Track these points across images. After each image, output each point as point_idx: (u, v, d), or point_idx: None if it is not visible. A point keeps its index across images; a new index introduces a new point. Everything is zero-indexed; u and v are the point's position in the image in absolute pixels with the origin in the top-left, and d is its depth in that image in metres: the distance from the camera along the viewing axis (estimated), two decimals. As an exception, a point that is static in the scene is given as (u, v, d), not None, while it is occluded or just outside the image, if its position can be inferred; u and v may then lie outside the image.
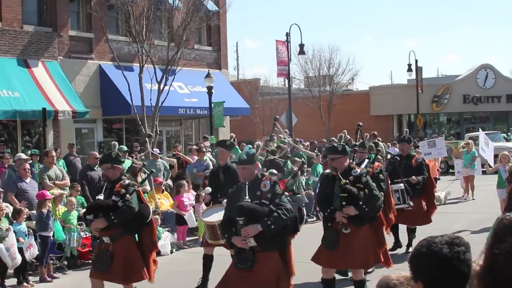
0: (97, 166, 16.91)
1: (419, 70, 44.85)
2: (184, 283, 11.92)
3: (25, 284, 12.42)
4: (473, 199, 23.09)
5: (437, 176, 24.01)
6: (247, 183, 7.89)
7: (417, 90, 43.84)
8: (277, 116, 12.57)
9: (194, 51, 29.80)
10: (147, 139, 11.56)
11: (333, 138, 27.65)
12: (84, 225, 14.80)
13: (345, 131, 28.10)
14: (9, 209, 13.30)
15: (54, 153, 16.69)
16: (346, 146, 9.59)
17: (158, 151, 20.19)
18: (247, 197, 7.72)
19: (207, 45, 32.32)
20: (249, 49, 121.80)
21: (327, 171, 10.06)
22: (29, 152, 18.92)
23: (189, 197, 16.65)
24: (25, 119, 22.64)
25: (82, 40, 26.73)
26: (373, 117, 46.49)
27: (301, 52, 36.84)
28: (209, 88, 26.74)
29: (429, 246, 3.34)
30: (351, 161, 9.61)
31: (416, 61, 44.50)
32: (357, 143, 10.76)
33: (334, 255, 9.06)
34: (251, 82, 49.50)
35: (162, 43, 26.87)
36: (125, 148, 18.17)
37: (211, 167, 19.34)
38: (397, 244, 14.02)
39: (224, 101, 28.42)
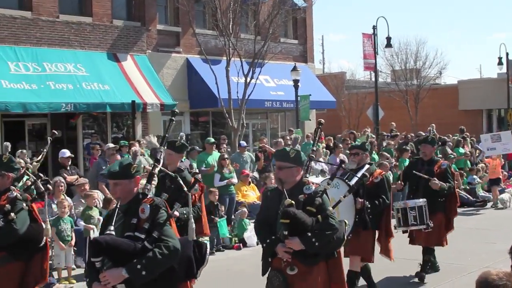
0: (184, 158, 17.14)
1: (510, 63, 43.58)
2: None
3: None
4: None
5: (500, 177, 22.07)
6: (118, 206, 5.92)
7: (508, 83, 42.61)
8: (175, 114, 8.33)
9: (280, 45, 29.76)
10: (49, 138, 10.11)
11: (420, 132, 27.21)
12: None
13: (433, 125, 27.57)
14: (98, 199, 13.60)
15: (138, 145, 17.01)
16: (304, 156, 6.89)
17: (245, 144, 20.26)
18: (112, 228, 5.71)
19: (293, 39, 32.28)
20: (334, 42, 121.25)
21: (271, 186, 7.88)
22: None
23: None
24: (115, 111, 23.10)
25: (170, 34, 27.08)
26: (461, 112, 45.53)
27: (388, 45, 36.37)
28: (296, 81, 26.67)
29: None
30: (307, 175, 6.97)
31: (507, 54, 43.29)
32: (315, 147, 7.98)
33: None
34: (337, 76, 49.15)
35: (248, 36, 26.93)
36: (212, 140, 18.31)
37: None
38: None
39: (310, 94, 28.33)
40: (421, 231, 10.82)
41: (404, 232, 11.00)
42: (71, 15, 23.69)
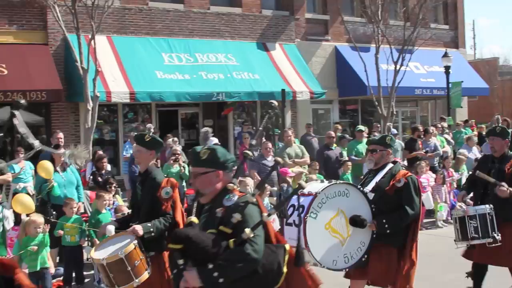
0: (334, 145, 17.17)
1: None
2: (421, 266, 11.64)
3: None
4: None
5: None
6: None
7: None
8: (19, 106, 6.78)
9: (431, 30, 29.08)
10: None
11: None
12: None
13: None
14: (250, 186, 13.81)
15: (290, 133, 17.11)
16: (226, 154, 5.14)
17: (395, 131, 20.03)
18: None
19: (443, 24, 31.48)
20: (485, 26, 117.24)
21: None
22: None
23: (427, 178, 16.35)
24: (265, 100, 23.40)
25: (318, 22, 27.08)
26: None
27: (545, 28, 34.77)
28: (447, 68, 26.04)
29: None
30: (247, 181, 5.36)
31: None
32: (253, 140, 5.50)
33: None
34: (489, 61, 47.52)
35: (397, 23, 26.54)
36: (361, 127, 18.20)
37: (439, 149, 18.89)
38: None
39: (462, 81, 27.58)
40: (486, 246, 8.36)
41: (468, 248, 8.66)
42: (221, 6, 24.22)
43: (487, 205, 8.37)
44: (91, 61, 17.86)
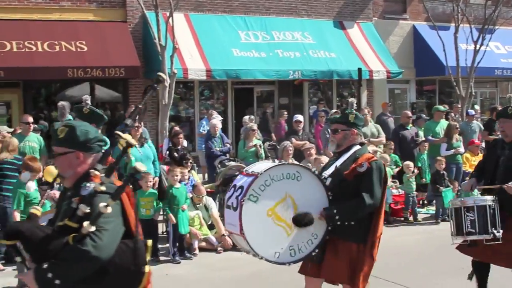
0: (410, 125, 16.98)
1: None
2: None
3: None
4: None
5: None
6: None
7: None
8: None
9: (513, 9, 28.39)
10: None
11: None
12: (398, 182, 14.97)
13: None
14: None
15: (366, 111, 17.00)
16: (88, 133, 4.44)
17: (473, 112, 19.65)
18: None
19: (526, 3, 30.65)
20: None
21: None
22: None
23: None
24: (341, 79, 23.26)
25: (396, 0, 26.72)
26: None
27: None
28: (528, 48, 25.44)
29: None
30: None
31: None
32: (128, 120, 4.39)
33: None
34: None
35: (478, 1, 25.94)
36: (441, 108, 17.92)
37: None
38: None
39: (544, 62, 26.89)
40: (503, 248, 7.20)
41: (469, 245, 7.42)
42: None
43: (488, 197, 7.26)
44: (169, 39, 18.03)
